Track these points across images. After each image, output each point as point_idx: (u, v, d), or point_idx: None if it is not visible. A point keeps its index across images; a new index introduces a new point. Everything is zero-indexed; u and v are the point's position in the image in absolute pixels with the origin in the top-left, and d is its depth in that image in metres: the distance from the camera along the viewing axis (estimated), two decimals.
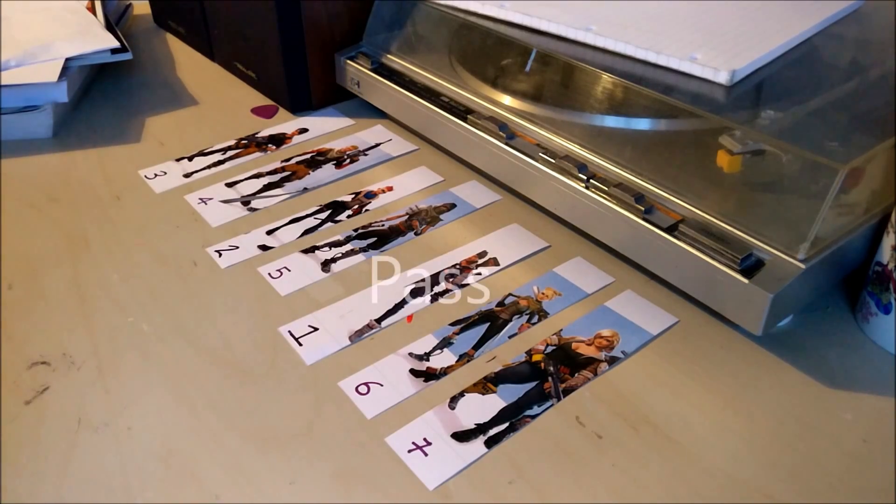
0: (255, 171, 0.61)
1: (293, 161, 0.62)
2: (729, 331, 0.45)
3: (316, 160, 0.63)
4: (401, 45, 0.67)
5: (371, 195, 0.58)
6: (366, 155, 0.63)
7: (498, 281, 0.49)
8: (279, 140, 0.66)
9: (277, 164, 0.62)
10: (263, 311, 0.47)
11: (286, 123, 0.68)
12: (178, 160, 0.63)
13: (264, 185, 0.59)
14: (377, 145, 0.65)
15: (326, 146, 0.64)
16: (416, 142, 0.65)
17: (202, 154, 0.64)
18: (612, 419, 0.39)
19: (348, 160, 0.62)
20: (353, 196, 0.58)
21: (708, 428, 0.39)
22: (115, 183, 0.60)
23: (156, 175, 0.61)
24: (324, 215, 0.56)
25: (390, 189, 0.59)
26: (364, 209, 0.57)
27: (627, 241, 0.46)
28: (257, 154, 0.64)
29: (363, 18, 0.68)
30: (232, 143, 0.66)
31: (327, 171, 0.61)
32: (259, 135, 0.67)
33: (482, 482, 0.36)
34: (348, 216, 0.56)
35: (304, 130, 0.67)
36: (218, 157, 0.64)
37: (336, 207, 0.57)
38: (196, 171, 0.62)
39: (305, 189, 0.59)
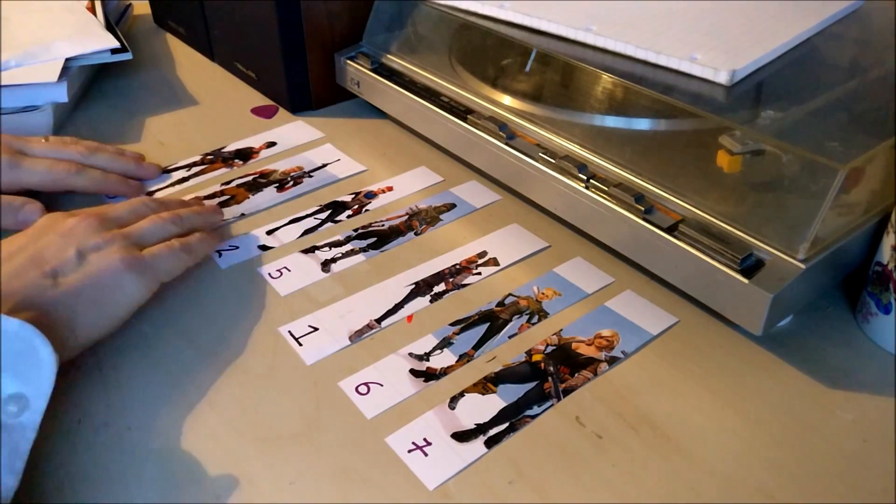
0: (194, 195, 0.58)
1: (233, 184, 0.59)
2: (729, 331, 0.45)
3: (258, 182, 0.59)
4: (401, 45, 0.67)
5: (371, 195, 0.58)
6: (310, 177, 0.60)
7: (498, 281, 0.49)
8: (246, 154, 0.64)
9: (217, 188, 0.59)
10: (263, 311, 0.47)
11: (253, 137, 0.66)
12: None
13: None
14: (324, 166, 0.61)
15: (270, 167, 0.61)
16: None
17: (165, 171, 0.62)
18: (612, 419, 0.39)
19: (291, 182, 0.59)
20: (353, 196, 0.58)
21: (708, 428, 0.39)
22: None
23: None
24: (324, 215, 0.56)
25: (390, 189, 0.59)
26: (364, 209, 0.56)
27: (627, 241, 0.46)
28: (223, 170, 0.62)
29: (363, 18, 0.68)
30: (197, 158, 0.63)
31: (268, 194, 0.58)
32: (225, 149, 0.64)
33: (482, 482, 0.36)
34: (348, 216, 0.56)
35: (272, 144, 0.65)
36: (182, 173, 0.61)
37: (336, 207, 0.57)
38: (159, 189, 0.60)
39: (243, 215, 0.56)
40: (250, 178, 0.60)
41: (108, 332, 0.42)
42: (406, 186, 0.59)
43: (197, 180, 0.60)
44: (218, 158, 0.63)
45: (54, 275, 0.40)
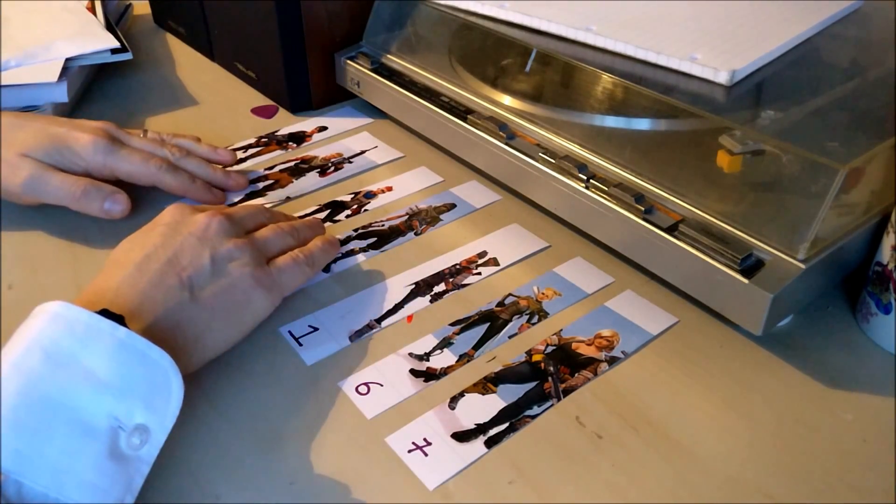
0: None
1: (276, 169, 0.61)
2: (729, 331, 0.45)
3: (300, 168, 0.61)
4: (401, 45, 0.67)
5: (370, 195, 0.58)
6: (350, 163, 0.62)
7: (498, 281, 0.49)
8: (299, 138, 0.66)
9: (261, 173, 0.61)
10: None
11: (306, 121, 0.68)
12: None
13: (246, 195, 0.58)
14: (362, 152, 0.63)
15: (311, 153, 0.63)
16: (402, 148, 0.64)
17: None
18: (612, 419, 0.39)
19: (332, 168, 0.61)
20: (352, 196, 0.58)
21: (708, 428, 0.39)
22: None
23: None
24: (323, 215, 0.56)
25: (390, 189, 0.59)
26: (363, 209, 0.56)
27: (627, 241, 0.46)
28: (278, 151, 0.64)
29: (363, 18, 0.68)
30: (252, 140, 0.65)
31: (311, 179, 0.60)
32: (279, 133, 0.67)
33: (482, 482, 0.36)
34: (347, 216, 0.56)
35: (323, 129, 0.67)
36: (239, 154, 0.63)
37: (335, 207, 0.57)
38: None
39: (288, 198, 0.58)
40: (292, 163, 0.62)
41: (231, 346, 0.42)
42: (406, 186, 0.59)
43: (253, 161, 0.63)
44: (272, 141, 0.66)
45: (191, 286, 0.40)
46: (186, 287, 0.40)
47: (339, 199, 0.58)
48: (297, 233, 0.48)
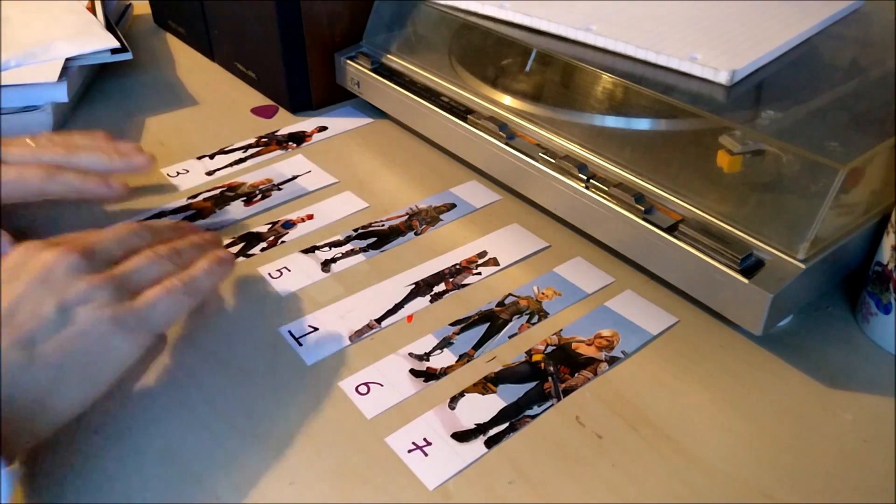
0: (159, 209, 0.56)
1: (200, 198, 0.57)
2: (729, 331, 0.45)
3: (225, 196, 0.57)
4: (401, 45, 0.67)
5: (289, 224, 0.54)
6: (280, 189, 0.58)
7: (498, 281, 0.49)
8: (299, 138, 0.66)
9: (183, 202, 0.57)
10: (263, 311, 0.47)
11: (306, 121, 0.68)
12: (199, 158, 0.63)
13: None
14: (294, 178, 0.60)
15: (239, 180, 0.59)
16: (337, 174, 0.60)
17: (223, 152, 0.64)
18: (612, 419, 0.39)
19: (260, 196, 0.57)
20: (269, 227, 0.54)
21: (708, 428, 0.39)
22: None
23: (178, 173, 0.61)
24: (236, 249, 0.52)
25: (310, 217, 0.55)
26: (280, 241, 0.53)
27: (627, 241, 0.46)
28: (278, 151, 0.64)
29: (363, 18, 0.68)
30: (252, 140, 0.65)
31: (235, 209, 0.56)
32: (279, 132, 0.66)
33: (482, 482, 0.36)
34: (262, 249, 0.52)
35: (323, 129, 0.67)
36: (239, 154, 0.63)
37: (250, 240, 0.53)
38: (218, 169, 0.61)
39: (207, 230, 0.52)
40: (218, 191, 0.58)
41: (92, 402, 0.36)
42: (327, 214, 0.56)
43: (253, 161, 0.62)
44: (272, 141, 0.65)
45: (31, 343, 0.33)
46: (22, 346, 0.33)
47: (254, 230, 0.54)
48: (179, 256, 0.41)
